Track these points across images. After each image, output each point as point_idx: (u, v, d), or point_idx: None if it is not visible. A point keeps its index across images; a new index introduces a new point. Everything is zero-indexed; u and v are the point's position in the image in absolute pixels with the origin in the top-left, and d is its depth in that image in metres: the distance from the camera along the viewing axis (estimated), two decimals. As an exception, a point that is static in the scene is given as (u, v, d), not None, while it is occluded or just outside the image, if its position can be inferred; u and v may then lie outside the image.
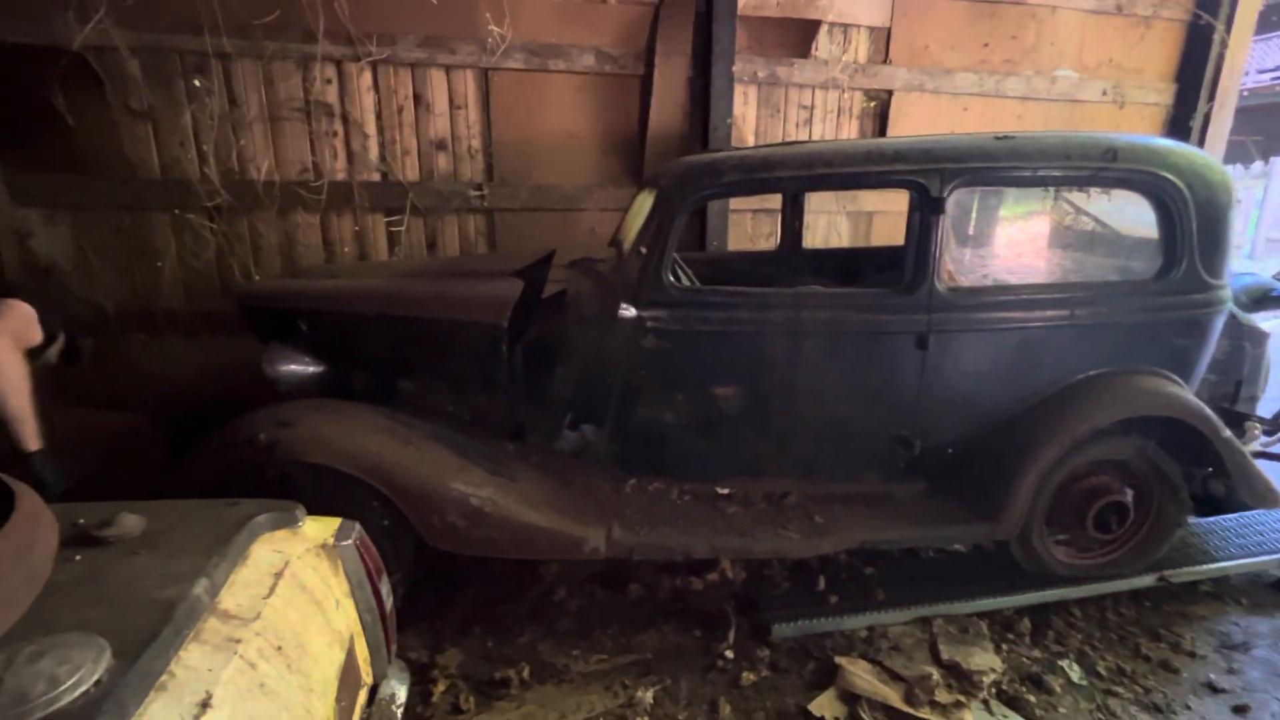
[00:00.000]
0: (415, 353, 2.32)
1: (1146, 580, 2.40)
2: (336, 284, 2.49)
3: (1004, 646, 2.18)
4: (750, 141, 3.85)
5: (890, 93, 3.96)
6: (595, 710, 1.89)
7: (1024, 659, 2.13)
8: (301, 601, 1.18)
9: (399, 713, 1.45)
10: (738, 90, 3.70)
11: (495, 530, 2.04)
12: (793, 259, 3.35)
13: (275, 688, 1.01)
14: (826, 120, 3.95)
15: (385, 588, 1.48)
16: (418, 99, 3.36)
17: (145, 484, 2.67)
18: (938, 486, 2.39)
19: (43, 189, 3.00)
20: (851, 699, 1.92)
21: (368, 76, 3.26)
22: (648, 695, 1.94)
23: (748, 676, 2.03)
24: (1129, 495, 2.33)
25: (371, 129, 3.33)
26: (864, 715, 1.87)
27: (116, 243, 3.13)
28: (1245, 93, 15.34)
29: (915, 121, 4.02)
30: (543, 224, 3.65)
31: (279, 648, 1.06)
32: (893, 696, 1.93)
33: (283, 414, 2.05)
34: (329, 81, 3.21)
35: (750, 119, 3.84)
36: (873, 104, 3.96)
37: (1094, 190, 2.51)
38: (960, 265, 2.24)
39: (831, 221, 4.12)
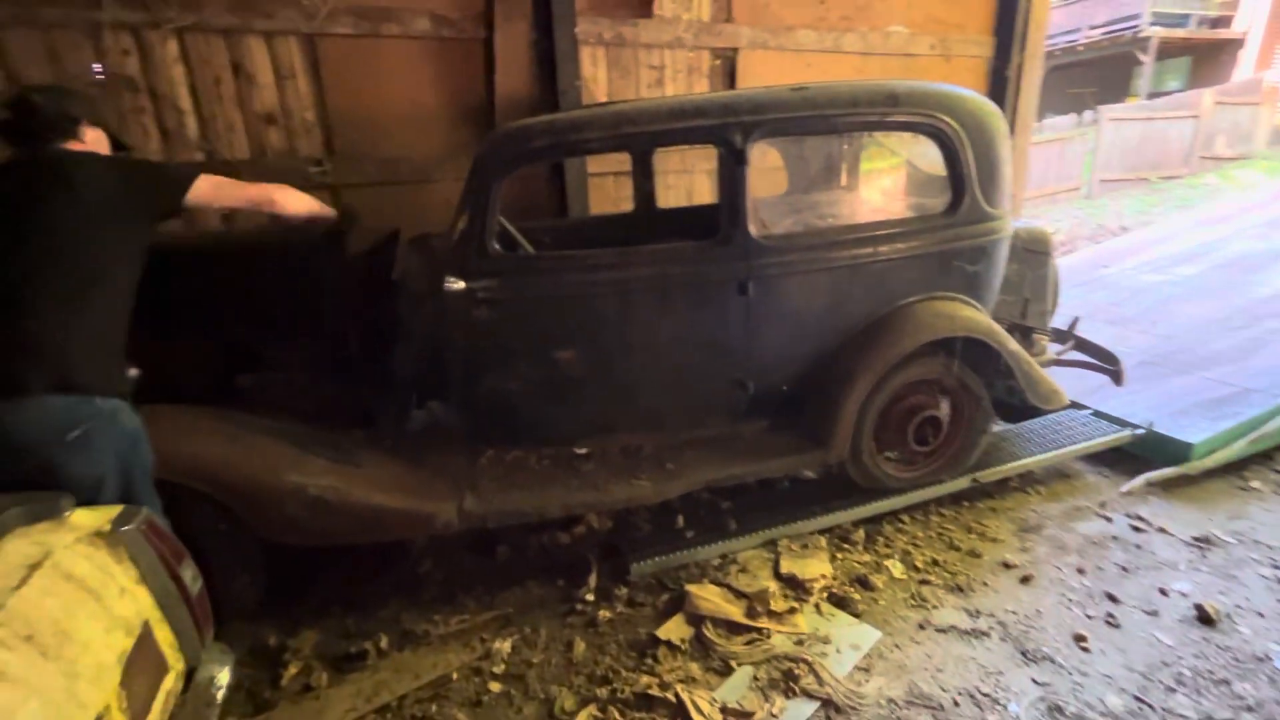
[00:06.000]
0: (239, 298, 2.21)
1: (962, 483, 2.71)
2: None
3: (839, 556, 2.40)
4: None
5: (736, 50, 4.08)
6: (451, 667, 1.93)
7: (855, 564, 2.36)
8: (65, 590, 1.14)
9: (218, 694, 1.44)
10: (586, 52, 3.69)
11: (340, 518, 2.00)
12: (648, 219, 3.43)
13: (20, 675, 0.98)
14: (677, 80, 4.02)
15: (189, 573, 1.44)
16: (237, 69, 3.12)
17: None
18: (780, 422, 2.57)
19: None
20: (698, 620, 2.07)
21: (174, 46, 2.99)
22: (505, 646, 2.01)
23: (604, 614, 2.13)
24: (945, 410, 2.61)
25: (186, 104, 3.07)
26: (708, 633, 2.02)
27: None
28: (1080, 47, 16.90)
29: (762, 78, 4.17)
30: (395, 198, 3.52)
31: (29, 637, 1.02)
32: (734, 613, 2.09)
33: None
34: (126, 52, 2.91)
35: (602, 81, 3.84)
36: (718, 62, 4.07)
37: (909, 135, 2.73)
38: (773, 213, 2.38)
39: (693, 181, 4.23)
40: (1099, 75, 19.72)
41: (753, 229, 2.24)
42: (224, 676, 1.48)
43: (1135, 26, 15.04)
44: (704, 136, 2.24)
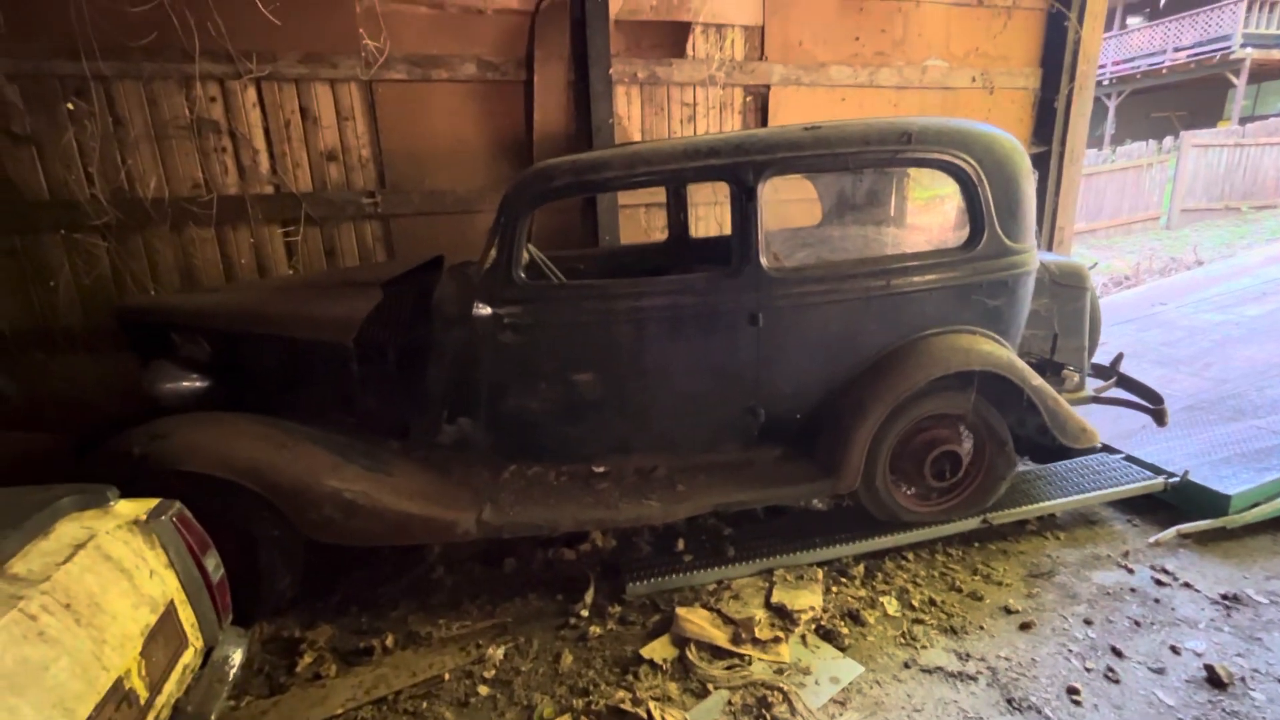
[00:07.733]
0: (282, 367, 2.46)
1: (972, 523, 2.65)
2: (207, 299, 2.63)
3: (834, 589, 2.40)
4: (636, 139, 4.04)
5: (768, 87, 4.19)
6: (446, 668, 2.07)
7: (850, 598, 2.36)
8: (104, 569, 1.34)
9: (231, 672, 1.62)
10: (620, 91, 3.89)
11: (369, 521, 2.19)
12: (680, 248, 3.56)
13: (57, 636, 1.17)
14: (710, 116, 4.17)
15: (213, 562, 1.64)
16: (304, 113, 3.48)
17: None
18: (794, 450, 2.60)
19: (-71, 218, 3.07)
20: (683, 642, 2.13)
21: (252, 93, 3.38)
22: (498, 652, 2.13)
23: (595, 630, 2.22)
24: (966, 446, 2.57)
25: (260, 144, 3.45)
26: (691, 655, 2.08)
27: (8, 265, 3.21)
28: (1164, 70, 16.04)
29: (794, 114, 4.26)
30: (439, 227, 3.80)
31: (67, 605, 1.22)
32: (719, 637, 2.14)
33: (157, 428, 2.18)
34: (213, 99, 3.32)
35: (635, 118, 4.03)
36: (751, 99, 4.18)
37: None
38: (791, 244, 2.43)
39: (724, 211, 4.34)
40: (1189, 98, 18.64)
41: (764, 261, 2.32)
42: (238, 656, 1.66)
43: (1226, 48, 14.16)
44: (716, 175, 2.35)
